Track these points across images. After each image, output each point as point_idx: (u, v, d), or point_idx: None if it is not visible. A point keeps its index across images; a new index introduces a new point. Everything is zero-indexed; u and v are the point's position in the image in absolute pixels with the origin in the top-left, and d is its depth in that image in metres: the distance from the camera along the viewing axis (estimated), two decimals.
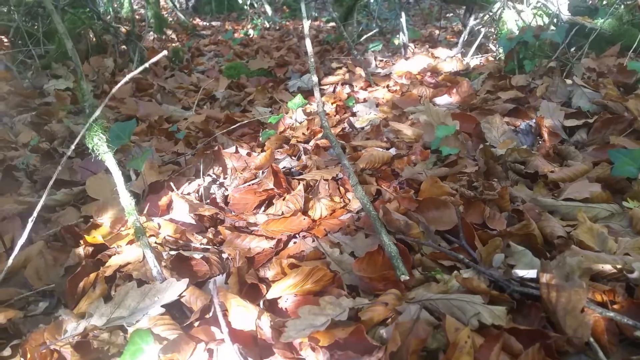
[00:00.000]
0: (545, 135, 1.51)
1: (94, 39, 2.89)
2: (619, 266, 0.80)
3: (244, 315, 0.77)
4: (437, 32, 3.81)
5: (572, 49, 2.20)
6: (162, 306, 0.81)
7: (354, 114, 1.85)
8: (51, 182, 0.90)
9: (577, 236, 0.93)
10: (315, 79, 1.49)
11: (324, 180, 1.17)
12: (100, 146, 0.99)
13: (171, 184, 1.21)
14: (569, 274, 0.79)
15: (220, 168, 1.35)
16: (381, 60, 2.86)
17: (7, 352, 0.76)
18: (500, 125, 1.57)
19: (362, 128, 1.68)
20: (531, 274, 0.78)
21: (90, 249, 0.99)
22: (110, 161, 0.98)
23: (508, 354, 0.66)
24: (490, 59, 2.62)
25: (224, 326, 0.71)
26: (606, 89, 1.68)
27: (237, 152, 1.40)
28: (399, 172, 1.27)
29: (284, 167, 1.32)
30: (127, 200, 0.95)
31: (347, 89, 2.25)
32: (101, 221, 1.06)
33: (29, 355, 0.72)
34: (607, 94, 1.64)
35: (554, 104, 1.63)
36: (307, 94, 2.21)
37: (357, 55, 2.48)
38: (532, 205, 1.06)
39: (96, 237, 0.99)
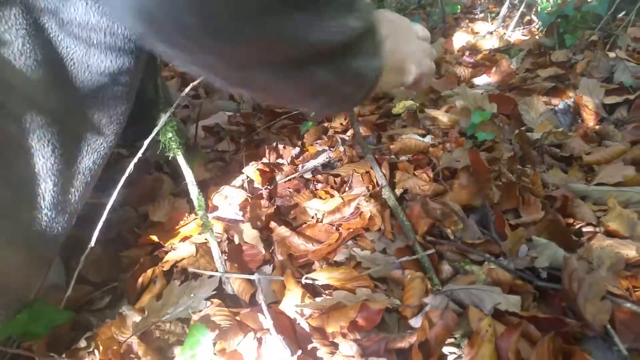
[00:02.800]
0: (584, 115, 1.50)
1: None
2: None
3: (291, 298, 0.86)
4: (478, 1, 3.72)
5: (619, 16, 2.13)
6: (218, 298, 0.91)
7: (391, 99, 1.88)
8: (119, 187, 1.02)
9: (607, 222, 0.95)
10: None
11: (357, 173, 1.23)
12: (173, 142, 1.10)
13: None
14: (594, 264, 0.83)
15: (267, 161, 1.43)
16: None
17: (82, 343, 0.87)
18: (539, 105, 1.57)
19: (399, 115, 1.71)
20: (553, 264, 0.82)
21: (148, 246, 1.09)
22: (180, 158, 1.09)
23: (527, 341, 0.71)
24: (534, 30, 2.57)
25: (269, 319, 0.79)
26: None
27: (276, 146, 1.47)
28: (436, 161, 1.30)
29: (322, 160, 1.38)
30: (196, 196, 1.05)
31: None
32: (156, 220, 1.16)
33: (101, 347, 0.83)
34: None
35: (594, 81, 1.61)
36: None
37: None
38: (565, 191, 1.09)
39: (152, 236, 1.09)
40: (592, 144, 1.34)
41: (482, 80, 1.92)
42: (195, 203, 1.03)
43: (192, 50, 0.50)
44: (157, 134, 1.07)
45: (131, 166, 0.98)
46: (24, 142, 0.75)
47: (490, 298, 0.76)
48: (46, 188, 0.80)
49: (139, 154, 1.00)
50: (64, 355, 0.84)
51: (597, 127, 1.43)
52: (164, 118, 1.05)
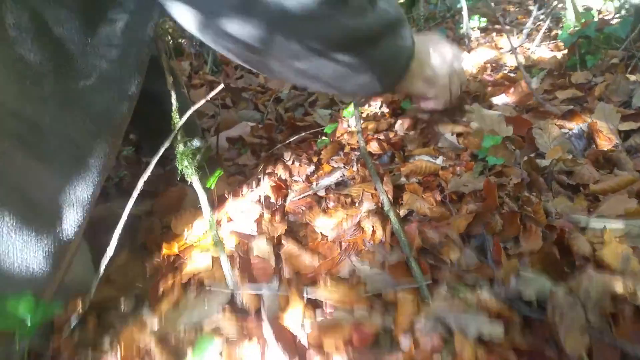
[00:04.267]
0: (597, 140, 1.53)
1: (172, 42, 3.15)
2: (629, 290, 0.87)
3: (293, 313, 0.94)
4: (508, 10, 3.72)
5: None
6: (229, 307, 0.99)
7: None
8: (135, 193, 1.11)
9: (602, 256, 0.99)
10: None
11: (367, 192, 1.29)
12: (189, 169, 1.23)
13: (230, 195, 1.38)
14: (581, 297, 0.87)
15: (283, 177, 1.51)
16: None
17: (106, 344, 0.97)
18: (552, 129, 1.60)
19: (414, 131, 1.76)
20: (540, 297, 0.88)
21: (169, 256, 1.18)
22: (196, 183, 1.20)
23: None
24: (560, 44, 2.58)
25: (269, 330, 0.87)
26: None
27: (293, 163, 1.54)
28: (444, 184, 1.36)
29: (335, 179, 1.45)
30: (209, 217, 1.16)
31: None
32: (178, 231, 1.25)
33: (123, 349, 0.92)
34: None
35: (610, 106, 1.63)
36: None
37: None
38: (565, 222, 1.13)
39: (173, 248, 1.18)
40: (603, 170, 1.37)
41: (500, 99, 1.95)
42: (207, 224, 1.12)
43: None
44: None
45: (140, 183, 1.08)
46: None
47: (475, 325, 0.82)
48: None
49: (148, 171, 1.10)
50: (89, 354, 0.94)
51: (609, 154, 1.45)
52: (165, 144, 1.15)
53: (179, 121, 1.34)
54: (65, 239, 0.96)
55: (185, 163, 1.25)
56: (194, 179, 1.24)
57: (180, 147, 1.30)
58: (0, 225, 0.86)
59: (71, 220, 0.97)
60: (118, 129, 1.05)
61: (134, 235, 1.30)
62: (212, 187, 1.36)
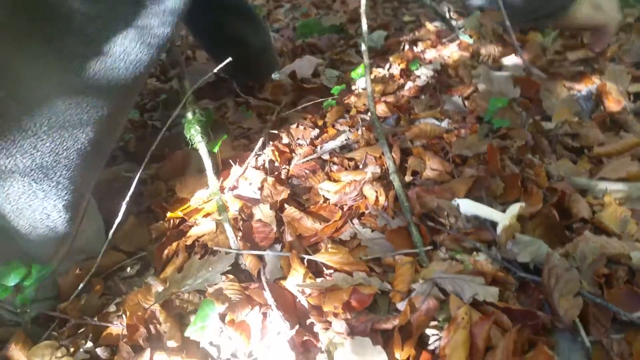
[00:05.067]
0: (606, 102, 1.51)
1: None
2: (625, 252, 0.88)
3: (295, 276, 0.96)
4: None
5: None
6: (230, 273, 1.02)
7: (417, 77, 1.91)
8: (146, 159, 1.14)
9: (600, 218, 1.00)
10: (366, 56, 1.56)
11: (370, 156, 1.30)
12: (195, 136, 1.27)
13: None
14: (577, 259, 0.88)
15: (287, 141, 1.51)
16: (456, 12, 2.81)
17: (112, 308, 1.00)
18: (561, 91, 1.57)
19: (422, 95, 1.75)
20: (536, 260, 0.89)
21: (174, 220, 1.20)
22: (203, 150, 1.24)
23: (500, 329, 0.79)
24: None
25: (271, 297, 0.89)
26: None
27: (298, 126, 1.55)
28: (449, 147, 1.35)
29: (340, 142, 1.45)
30: (213, 183, 1.19)
31: (418, 47, 2.28)
32: (183, 196, 1.27)
33: (128, 313, 0.95)
34: None
35: (621, 67, 1.60)
36: (376, 54, 2.27)
37: (431, 3, 2.45)
38: (566, 185, 1.13)
39: (177, 211, 1.20)
40: (609, 133, 1.36)
41: (510, 60, 1.91)
42: (211, 189, 1.14)
43: None
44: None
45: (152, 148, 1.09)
46: None
47: (471, 288, 0.83)
48: None
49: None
50: (95, 318, 0.97)
51: (617, 116, 1.43)
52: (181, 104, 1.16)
53: (189, 89, 1.36)
54: (80, 192, 0.99)
55: (192, 131, 1.28)
56: (200, 146, 1.26)
57: (189, 115, 1.31)
58: (22, 175, 0.90)
59: (85, 177, 1.00)
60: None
61: (140, 200, 1.32)
62: (217, 151, 1.37)
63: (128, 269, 1.12)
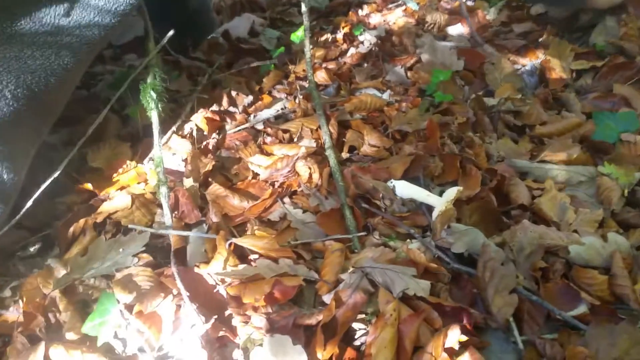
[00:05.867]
0: (549, 78, 1.48)
1: None
2: (562, 244, 0.84)
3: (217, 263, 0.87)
4: None
5: None
6: (148, 253, 0.92)
7: (360, 44, 1.82)
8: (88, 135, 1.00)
9: (539, 205, 0.96)
10: (306, 18, 1.44)
11: (307, 128, 1.21)
12: (150, 102, 1.14)
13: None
14: (514, 250, 0.84)
15: (217, 108, 1.39)
16: None
17: (7, 293, 0.89)
18: (505, 65, 1.53)
19: (365, 63, 1.66)
20: (471, 250, 0.84)
21: (84, 193, 1.08)
22: (154, 120, 1.12)
23: (430, 327, 0.74)
24: None
25: (183, 290, 0.81)
26: (626, 27, 1.58)
27: (230, 92, 1.43)
28: (389, 121, 1.28)
29: (275, 111, 1.35)
30: (158, 154, 1.07)
31: (364, 10, 2.17)
32: (96, 165, 1.14)
33: (25, 298, 0.84)
34: (625, 33, 1.55)
35: (565, 42, 1.56)
36: (319, 15, 2.16)
37: None
38: (506, 167, 1.08)
39: (87, 183, 1.07)
40: (551, 112, 1.33)
41: (456, 29, 1.85)
42: (155, 161, 1.06)
43: None
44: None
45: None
46: None
47: (401, 281, 0.77)
48: None
49: None
50: None
51: (559, 93, 1.40)
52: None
53: (154, 49, 1.21)
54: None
55: (149, 96, 1.13)
56: (153, 115, 1.12)
57: (150, 79, 1.17)
58: None
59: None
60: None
61: (49, 169, 1.18)
62: (137, 117, 1.24)
63: (31, 249, 1.00)
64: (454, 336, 0.68)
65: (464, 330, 0.70)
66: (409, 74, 1.52)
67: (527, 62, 1.56)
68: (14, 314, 0.86)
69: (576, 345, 0.68)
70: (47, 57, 0.91)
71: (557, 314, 0.73)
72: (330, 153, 1.10)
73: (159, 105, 1.13)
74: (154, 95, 1.14)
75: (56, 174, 0.98)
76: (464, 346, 0.69)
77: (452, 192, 0.91)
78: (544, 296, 0.77)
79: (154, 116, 1.11)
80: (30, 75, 0.89)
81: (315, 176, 1.06)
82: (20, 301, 0.87)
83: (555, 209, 0.96)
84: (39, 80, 0.91)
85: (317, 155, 1.14)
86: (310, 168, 1.08)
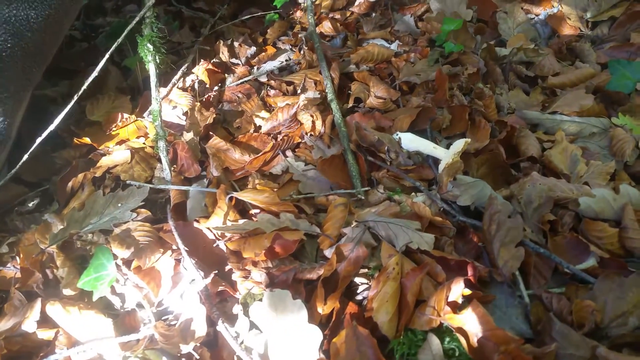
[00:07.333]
0: (563, 28, 1.41)
1: None
2: (572, 196, 0.81)
3: (217, 218, 0.86)
4: None
5: None
6: (146, 208, 0.91)
7: None
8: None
9: (550, 157, 0.93)
10: None
11: (310, 80, 1.17)
12: (148, 55, 1.10)
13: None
14: (522, 203, 0.81)
15: (220, 59, 1.35)
16: None
17: (4, 249, 0.88)
18: (518, 14, 1.46)
19: (373, 12, 1.60)
20: (478, 203, 0.81)
21: (83, 147, 1.06)
22: (152, 71, 1.08)
23: (433, 280, 0.72)
24: None
25: (181, 244, 0.79)
26: None
27: (232, 43, 1.38)
28: (396, 73, 1.24)
29: (279, 63, 1.30)
30: (155, 108, 1.04)
31: None
32: (94, 119, 1.12)
33: (22, 254, 0.83)
34: None
35: None
36: None
37: None
38: (516, 119, 1.04)
39: (86, 137, 1.05)
40: (564, 62, 1.27)
41: None
42: (152, 114, 1.03)
43: None
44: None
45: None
46: None
47: (405, 235, 0.75)
48: None
49: None
50: None
51: (574, 43, 1.34)
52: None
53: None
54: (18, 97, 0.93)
55: (146, 49, 1.10)
56: (150, 67, 1.09)
57: (147, 30, 1.12)
58: None
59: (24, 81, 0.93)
60: None
61: (47, 122, 1.16)
62: (136, 69, 1.21)
63: (29, 204, 0.99)
64: (458, 289, 0.66)
65: (468, 284, 0.68)
66: (418, 23, 1.46)
67: (541, 12, 1.49)
68: (11, 270, 0.86)
69: (584, 299, 0.66)
70: None
71: (566, 267, 0.70)
72: (332, 97, 1.06)
73: (157, 57, 1.09)
74: (150, 47, 1.10)
75: (53, 126, 0.94)
76: (467, 300, 0.68)
77: (459, 144, 0.87)
78: (552, 249, 0.75)
79: (151, 68, 1.08)
80: (7, 7, 0.86)
81: (318, 124, 1.03)
82: (17, 257, 0.86)
83: (566, 161, 0.92)
84: (17, 13, 0.88)
85: (320, 105, 1.11)
86: (312, 116, 1.04)
